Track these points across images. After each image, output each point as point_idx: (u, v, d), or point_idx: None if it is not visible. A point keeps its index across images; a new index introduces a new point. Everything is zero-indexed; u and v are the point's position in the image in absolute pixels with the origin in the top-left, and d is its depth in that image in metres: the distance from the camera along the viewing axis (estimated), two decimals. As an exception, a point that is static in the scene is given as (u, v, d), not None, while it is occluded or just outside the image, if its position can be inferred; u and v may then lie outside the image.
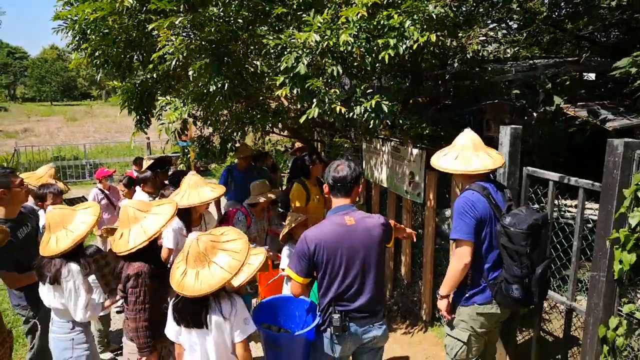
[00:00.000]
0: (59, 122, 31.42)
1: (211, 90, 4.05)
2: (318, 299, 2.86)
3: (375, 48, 3.74)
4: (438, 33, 3.79)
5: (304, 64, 3.56)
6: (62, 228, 3.16)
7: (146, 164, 6.21)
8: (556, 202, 3.60)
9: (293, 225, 4.17)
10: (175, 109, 4.12)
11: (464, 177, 3.15)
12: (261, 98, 5.16)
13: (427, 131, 4.35)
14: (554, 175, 3.37)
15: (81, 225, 3.21)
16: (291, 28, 4.09)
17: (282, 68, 3.62)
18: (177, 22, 3.82)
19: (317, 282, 2.84)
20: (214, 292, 2.50)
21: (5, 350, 3.33)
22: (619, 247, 2.87)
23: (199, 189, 3.95)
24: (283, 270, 4.02)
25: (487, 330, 3.19)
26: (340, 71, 3.69)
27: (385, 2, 3.89)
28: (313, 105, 3.67)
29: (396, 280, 5.65)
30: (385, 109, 3.74)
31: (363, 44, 3.72)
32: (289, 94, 3.70)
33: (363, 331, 2.81)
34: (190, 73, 3.99)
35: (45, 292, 3.23)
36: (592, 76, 7.61)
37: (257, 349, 4.24)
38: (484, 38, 4.70)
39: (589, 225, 3.52)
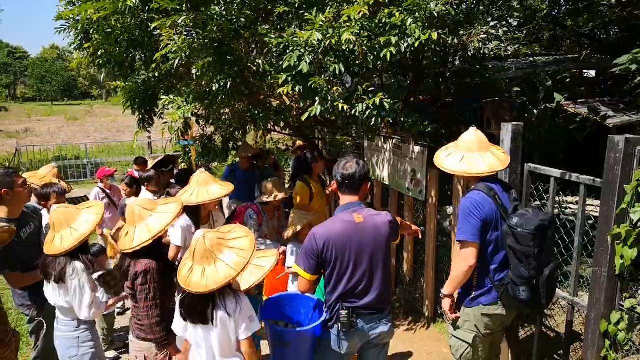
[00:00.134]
0: (59, 122, 31.45)
1: (214, 88, 4.07)
2: (325, 295, 2.88)
3: (377, 46, 3.76)
4: (439, 31, 3.81)
5: (306, 62, 3.59)
6: (66, 227, 3.18)
7: (151, 163, 6.23)
8: (557, 198, 3.61)
9: (299, 228, 4.15)
10: (178, 108, 4.14)
11: (469, 177, 3.09)
12: (262, 97, 5.18)
13: (429, 129, 4.36)
14: (555, 172, 3.38)
15: (85, 224, 3.23)
16: (293, 27, 4.12)
17: (284, 66, 3.64)
18: (179, 21, 3.84)
19: (324, 279, 2.85)
20: (220, 288, 2.52)
21: (12, 351, 3.35)
22: (620, 242, 2.89)
23: (208, 187, 3.94)
24: (289, 268, 4.03)
25: (492, 332, 3.14)
26: (343, 69, 3.71)
27: (387, 0, 3.91)
28: (315, 103, 3.70)
29: (398, 277, 5.67)
30: (387, 106, 3.76)
31: (365, 42, 3.74)
32: (291, 92, 3.73)
33: (370, 327, 2.83)
34: (193, 71, 4.02)
35: (51, 291, 3.25)
36: (592, 73, 7.64)
37: (265, 347, 4.25)
38: (485, 36, 4.71)
39: (590, 222, 3.53)
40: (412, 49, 3.76)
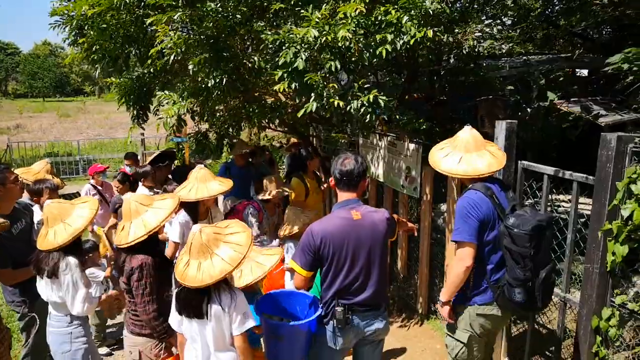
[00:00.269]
0: (51, 119, 31.19)
1: (209, 84, 4.07)
2: (321, 291, 2.89)
3: (373, 43, 3.77)
4: (435, 29, 3.83)
5: (302, 58, 3.59)
6: (60, 222, 3.17)
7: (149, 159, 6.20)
8: (550, 197, 3.64)
9: (296, 229, 4.13)
10: (174, 104, 4.13)
11: (467, 177, 3.04)
12: (257, 93, 5.18)
13: (423, 126, 4.38)
14: (548, 169, 3.41)
15: (79, 219, 3.22)
16: (289, 23, 4.12)
17: (280, 63, 3.65)
18: (175, 17, 3.84)
19: (320, 275, 2.85)
20: (215, 283, 2.52)
21: (5, 348, 3.34)
22: (612, 239, 2.93)
23: (207, 183, 3.93)
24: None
25: (488, 332, 3.11)
26: (339, 66, 3.72)
27: (382, -2, 3.93)
28: (311, 100, 3.70)
29: (392, 274, 5.70)
30: (382, 103, 3.77)
31: (361, 39, 3.75)
32: (287, 89, 3.73)
33: (365, 324, 2.83)
34: (190, 67, 4.01)
35: (43, 286, 3.24)
36: (584, 72, 7.70)
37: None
38: (480, 34, 4.74)
39: (582, 220, 3.56)
40: (408, 46, 3.78)
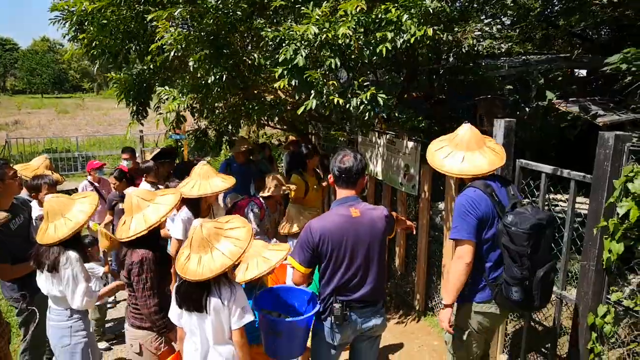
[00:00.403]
0: (50, 115, 31.13)
1: (209, 81, 4.08)
2: (319, 288, 2.90)
3: (373, 41, 3.79)
4: (435, 27, 3.84)
5: (302, 55, 3.61)
6: (60, 216, 3.18)
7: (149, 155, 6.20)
8: (547, 196, 3.66)
9: (296, 228, 4.12)
10: (174, 100, 4.14)
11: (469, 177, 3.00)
12: (257, 91, 5.20)
13: (422, 124, 4.40)
14: (546, 168, 3.43)
15: (79, 214, 3.23)
16: (289, 21, 4.13)
17: (280, 59, 3.66)
18: (175, 14, 3.85)
19: (319, 272, 2.86)
20: (215, 277, 2.54)
21: (5, 342, 3.35)
22: (608, 236, 2.95)
23: (210, 179, 3.91)
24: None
25: (486, 330, 3.11)
26: (339, 64, 3.73)
27: (383, -4, 3.94)
28: (311, 97, 3.72)
29: (390, 271, 5.72)
30: (381, 101, 3.79)
31: (361, 37, 3.76)
32: (286, 86, 3.75)
33: (363, 320, 2.84)
34: (190, 64, 4.03)
35: (43, 280, 3.25)
36: (583, 72, 7.73)
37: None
38: (479, 33, 4.76)
39: (579, 219, 3.58)
40: (408, 44, 3.79)
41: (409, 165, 4.84)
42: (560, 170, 3.32)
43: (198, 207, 3.99)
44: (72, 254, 3.16)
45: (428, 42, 3.91)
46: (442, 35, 4.27)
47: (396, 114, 4.32)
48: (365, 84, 3.94)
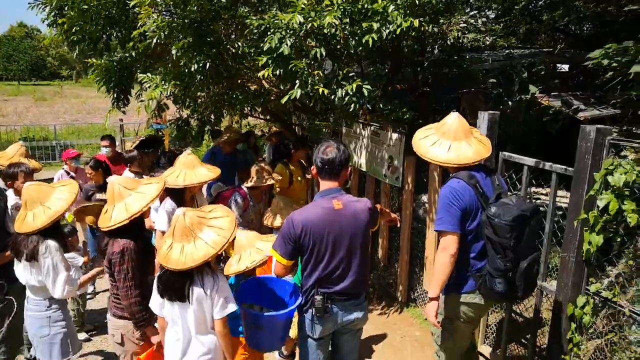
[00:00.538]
0: (27, 102, 30.42)
1: (192, 69, 4.02)
2: (301, 280, 2.89)
3: (359, 31, 3.77)
4: (420, 19, 3.84)
5: (287, 44, 3.57)
6: (39, 204, 3.12)
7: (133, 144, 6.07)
8: (529, 189, 3.70)
9: (281, 222, 4.10)
10: (156, 87, 4.07)
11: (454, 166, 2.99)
12: (241, 80, 5.14)
13: (407, 116, 4.40)
14: (529, 161, 3.47)
15: (58, 201, 3.17)
16: (274, 9, 4.09)
17: (265, 48, 3.62)
18: (158, 0, 3.78)
19: (301, 264, 2.84)
20: (198, 266, 2.51)
21: None
22: (588, 229, 3.00)
23: (195, 169, 3.81)
24: None
25: (471, 320, 3.12)
26: (324, 53, 3.70)
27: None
28: (295, 87, 3.68)
29: (373, 263, 5.74)
30: (366, 93, 3.78)
31: (347, 26, 3.74)
32: (271, 75, 3.71)
33: (344, 313, 2.82)
34: (173, 51, 3.96)
35: (22, 270, 3.19)
36: (565, 67, 7.82)
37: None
38: (465, 25, 4.77)
39: (560, 213, 3.63)
40: (394, 35, 3.78)
41: (392, 157, 4.85)
42: (542, 163, 3.36)
43: (182, 197, 3.88)
44: (52, 243, 3.11)
45: (413, 33, 3.91)
46: (427, 27, 4.26)
47: (381, 106, 4.31)
48: (350, 74, 3.92)
